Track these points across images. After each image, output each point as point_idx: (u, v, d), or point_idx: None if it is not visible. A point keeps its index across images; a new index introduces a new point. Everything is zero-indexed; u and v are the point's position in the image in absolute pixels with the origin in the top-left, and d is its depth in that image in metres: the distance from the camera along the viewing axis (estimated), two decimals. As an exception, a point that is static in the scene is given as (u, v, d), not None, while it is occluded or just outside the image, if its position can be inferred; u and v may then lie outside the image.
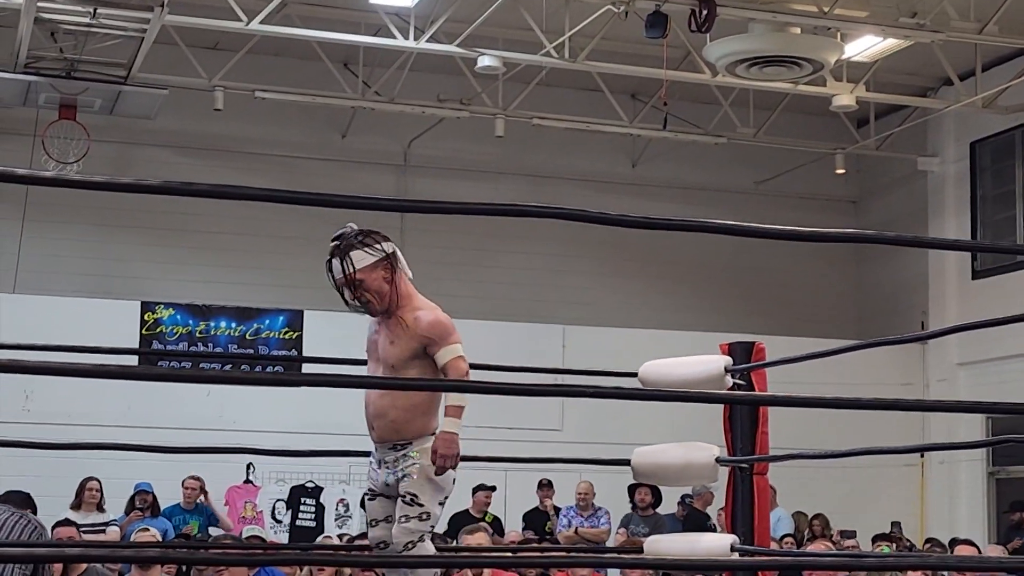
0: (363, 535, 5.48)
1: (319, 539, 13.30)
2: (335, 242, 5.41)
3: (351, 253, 5.39)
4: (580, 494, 14.28)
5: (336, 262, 5.38)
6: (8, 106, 16.12)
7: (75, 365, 3.60)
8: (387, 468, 5.43)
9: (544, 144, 18.52)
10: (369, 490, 5.52)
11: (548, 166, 18.79)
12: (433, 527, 5.48)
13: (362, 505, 5.51)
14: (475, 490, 14.55)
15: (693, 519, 14.19)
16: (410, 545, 5.37)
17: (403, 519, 5.37)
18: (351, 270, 5.36)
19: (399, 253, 5.49)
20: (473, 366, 6.42)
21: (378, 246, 5.43)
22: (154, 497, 13.83)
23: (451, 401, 5.39)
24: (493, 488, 14.58)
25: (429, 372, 5.38)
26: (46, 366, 3.48)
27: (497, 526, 14.36)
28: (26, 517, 7.17)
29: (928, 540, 14.12)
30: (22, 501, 7.46)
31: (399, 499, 5.38)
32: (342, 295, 5.43)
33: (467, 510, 14.51)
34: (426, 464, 5.37)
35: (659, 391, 5.57)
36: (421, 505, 5.37)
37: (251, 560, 4.60)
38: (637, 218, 4.01)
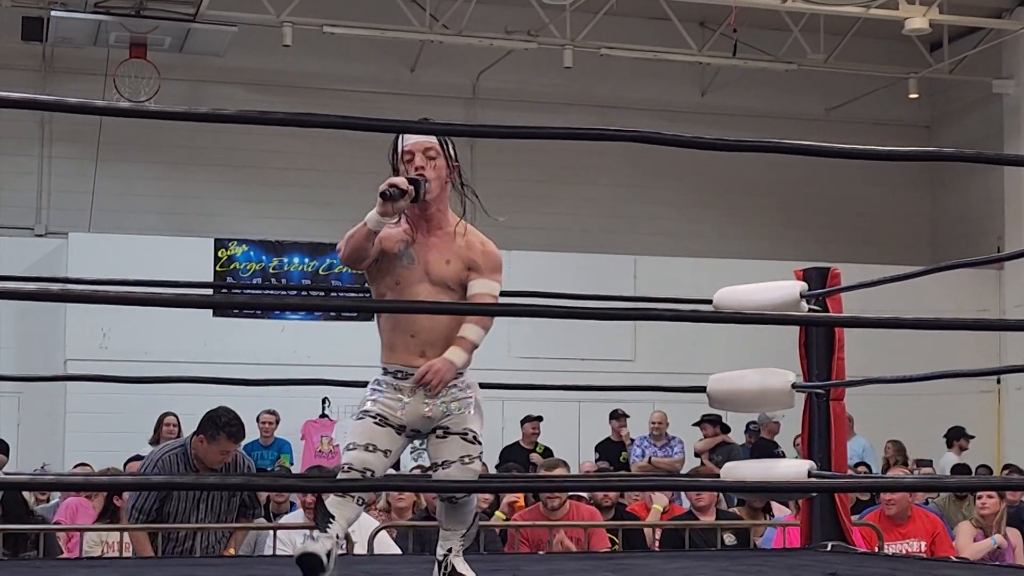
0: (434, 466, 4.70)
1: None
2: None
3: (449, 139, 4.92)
4: (654, 423, 14.26)
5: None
6: (79, 46, 16.22)
7: (155, 296, 3.64)
8: (429, 399, 4.78)
9: (612, 74, 18.42)
10: (378, 415, 4.76)
11: (616, 96, 18.69)
12: None
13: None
14: (522, 422, 14.61)
15: (761, 447, 14.19)
16: None
17: (467, 459, 4.78)
18: (447, 147, 4.86)
19: None
20: (544, 295, 6.44)
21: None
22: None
23: (466, 332, 4.77)
24: (539, 418, 14.59)
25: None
26: (127, 296, 3.51)
27: (548, 456, 14.40)
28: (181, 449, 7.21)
29: (1006, 466, 14.04)
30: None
31: (456, 436, 4.78)
32: (398, 164, 4.82)
33: (518, 442, 14.57)
34: (478, 398, 4.89)
35: (735, 314, 5.54)
36: (480, 443, 4.84)
37: (336, 487, 4.60)
38: (710, 139, 3.99)
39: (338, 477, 4.71)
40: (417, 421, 4.78)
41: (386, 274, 4.84)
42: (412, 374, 4.74)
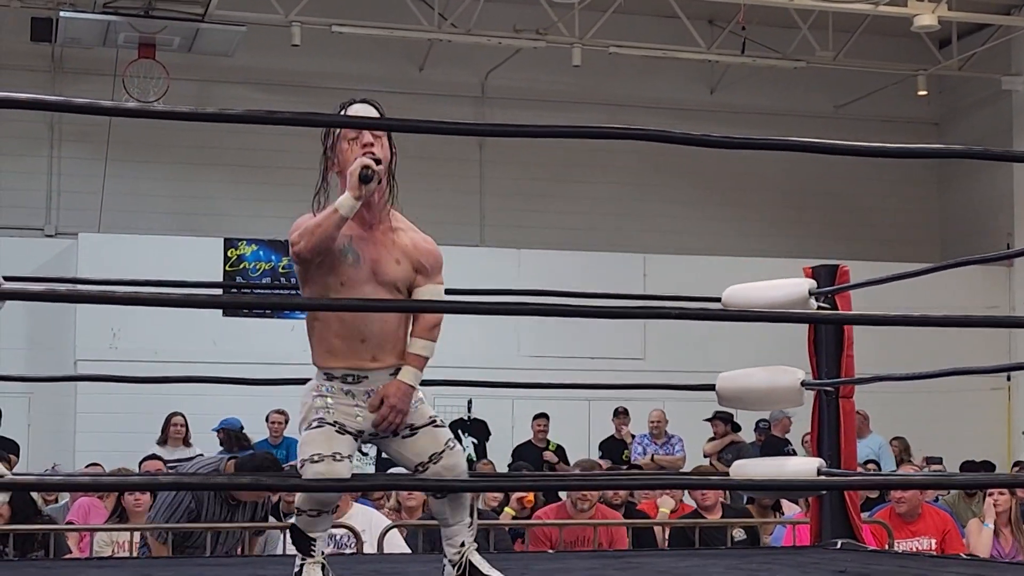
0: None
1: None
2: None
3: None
4: (653, 422, 14.26)
5: (377, 111, 4.59)
6: (88, 46, 16.25)
7: (164, 296, 3.65)
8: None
9: (621, 73, 18.42)
10: (337, 423, 4.50)
11: (625, 95, 18.69)
12: None
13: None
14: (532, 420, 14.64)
15: (771, 445, 14.17)
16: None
17: (451, 443, 4.60)
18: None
19: None
20: (554, 294, 6.43)
21: None
22: (241, 432, 13.96)
23: (419, 349, 4.57)
24: (544, 416, 14.56)
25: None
26: (136, 297, 3.51)
27: (561, 454, 14.40)
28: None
29: (1016, 463, 14.03)
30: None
31: (427, 427, 4.58)
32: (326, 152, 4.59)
33: (530, 441, 14.56)
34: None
35: (744, 312, 5.54)
36: (445, 424, 4.68)
37: (341, 487, 4.57)
38: (719, 138, 3.99)
39: (309, 496, 4.49)
40: (371, 423, 4.54)
41: (328, 273, 4.52)
42: (365, 376, 4.51)
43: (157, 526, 7.08)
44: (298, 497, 4.53)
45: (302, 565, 4.47)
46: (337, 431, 4.46)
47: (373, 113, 4.53)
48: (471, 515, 4.66)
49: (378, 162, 4.42)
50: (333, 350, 4.53)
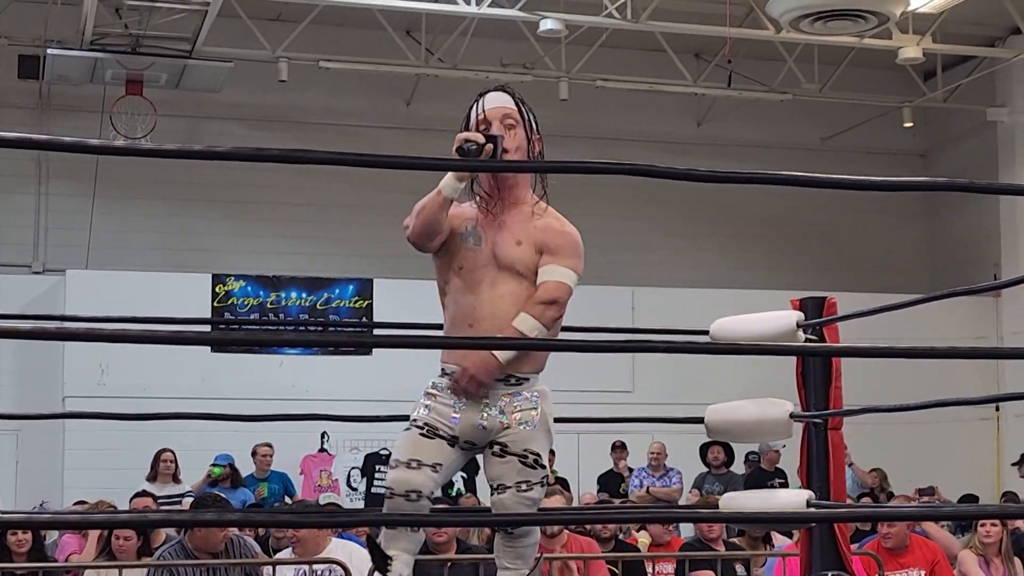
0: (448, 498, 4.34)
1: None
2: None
3: (530, 109, 4.61)
4: (652, 454, 14.27)
5: (512, 98, 4.63)
6: (75, 83, 16.26)
7: (152, 332, 3.64)
8: (486, 407, 4.28)
9: (608, 106, 18.46)
10: (426, 425, 4.27)
11: (613, 128, 18.73)
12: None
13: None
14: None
15: (757, 477, 14.16)
16: None
17: (524, 486, 4.27)
18: (528, 117, 4.61)
19: None
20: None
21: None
22: (233, 468, 13.93)
23: (519, 323, 4.28)
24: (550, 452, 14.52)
25: None
26: (124, 334, 3.50)
27: (564, 486, 14.38)
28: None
29: (1005, 494, 14.03)
30: None
31: (515, 457, 4.27)
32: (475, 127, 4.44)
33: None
34: (547, 412, 4.36)
35: (732, 345, 5.54)
36: (543, 467, 4.31)
37: (328, 522, 4.55)
38: (704, 172, 3.99)
39: (385, 503, 4.26)
40: (471, 432, 4.29)
41: (451, 257, 4.36)
42: None
43: (150, 563, 7.06)
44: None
45: None
46: (424, 434, 4.26)
47: (507, 99, 4.57)
48: (532, 568, 4.38)
49: (495, 138, 4.33)
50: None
